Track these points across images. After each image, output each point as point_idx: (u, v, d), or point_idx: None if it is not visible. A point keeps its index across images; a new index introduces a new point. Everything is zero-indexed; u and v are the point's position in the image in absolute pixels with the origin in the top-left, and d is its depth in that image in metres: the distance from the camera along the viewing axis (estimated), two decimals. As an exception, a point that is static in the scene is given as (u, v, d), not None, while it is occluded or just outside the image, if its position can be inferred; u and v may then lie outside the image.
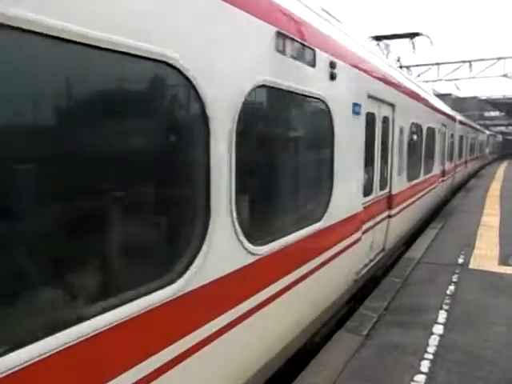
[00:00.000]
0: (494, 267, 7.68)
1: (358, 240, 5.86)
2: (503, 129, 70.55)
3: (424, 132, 10.58)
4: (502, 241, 9.54)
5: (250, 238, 3.31)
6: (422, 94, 11.08)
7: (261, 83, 3.33)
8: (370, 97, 6.10)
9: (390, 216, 7.65)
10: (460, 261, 8.10)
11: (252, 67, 3.27)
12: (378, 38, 13.39)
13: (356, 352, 4.66)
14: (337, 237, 5.10)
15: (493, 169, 35.17)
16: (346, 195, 5.33)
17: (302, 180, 4.50)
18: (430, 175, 11.80)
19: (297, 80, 3.90)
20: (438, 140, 13.00)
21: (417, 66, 29.14)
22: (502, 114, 52.37)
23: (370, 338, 5.02)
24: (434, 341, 4.91)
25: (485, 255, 8.42)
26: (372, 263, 6.77)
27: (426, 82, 30.50)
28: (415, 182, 9.77)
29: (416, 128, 9.72)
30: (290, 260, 4.03)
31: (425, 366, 4.38)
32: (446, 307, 5.89)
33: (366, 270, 6.43)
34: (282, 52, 3.64)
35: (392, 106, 7.45)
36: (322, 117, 4.69)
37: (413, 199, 9.64)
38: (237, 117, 3.03)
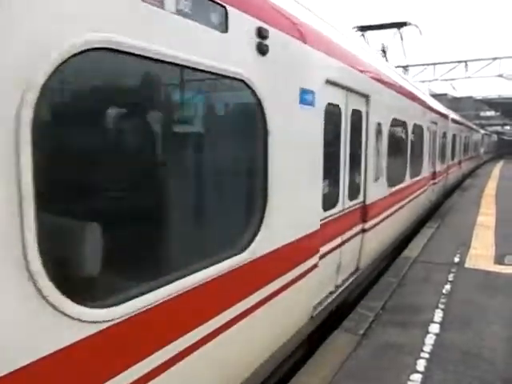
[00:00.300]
0: (490, 266, 7.70)
1: (314, 267, 4.51)
2: (499, 128, 70.96)
3: (410, 130, 9.31)
4: (498, 240, 9.56)
5: (80, 295, 1.98)
6: (408, 87, 9.79)
7: (96, 45, 2.02)
8: (331, 83, 4.77)
9: (364, 230, 6.34)
10: (456, 260, 8.11)
11: (77, 17, 1.94)
12: (363, 29, 12.41)
13: (352, 351, 4.66)
14: (275, 269, 3.78)
15: (488, 168, 35.29)
16: (291, 212, 3.98)
17: (202, 196, 3.20)
18: (417, 178, 10.67)
19: (190, 49, 2.61)
20: (428, 139, 11.87)
21: (405, 66, 29.23)
22: (498, 113, 52.60)
23: (367, 337, 5.01)
24: (430, 340, 4.91)
25: (481, 254, 8.44)
26: (340, 289, 5.53)
27: (423, 81, 30.65)
28: (399, 187, 8.55)
29: (399, 125, 8.50)
30: (183, 316, 2.69)
31: (421, 365, 4.38)
32: (442, 306, 5.89)
33: (329, 300, 5.16)
34: (158, 3, 2.38)
35: (365, 97, 6.10)
36: (244, 105, 3.45)
37: (396, 207, 8.37)
38: (34, 97, 1.78)
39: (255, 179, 3.48)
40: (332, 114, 4.98)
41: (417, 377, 4.17)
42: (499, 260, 8.07)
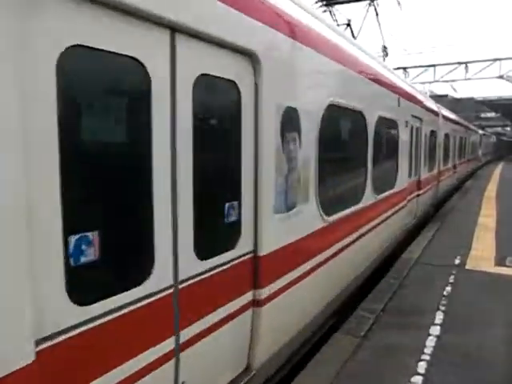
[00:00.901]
0: (491, 268, 7.69)
1: None
2: (499, 129, 71.16)
3: (371, 124, 6.44)
4: (499, 242, 9.55)
5: None
6: (369, 62, 6.71)
7: None
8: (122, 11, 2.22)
9: (257, 303, 3.60)
10: (457, 262, 8.10)
11: None
12: (329, 3, 9.95)
13: (353, 353, 4.65)
14: None
15: (488, 171, 35.30)
16: None
17: None
18: (389, 192, 7.77)
19: None
20: (407, 139, 9.12)
21: (405, 67, 29.33)
22: (498, 115, 52.68)
23: (367, 339, 5.00)
24: (430, 342, 4.90)
25: (481, 256, 8.43)
26: None
27: (423, 83, 30.73)
28: (350, 211, 5.68)
29: (347, 115, 5.70)
30: None
31: (421, 367, 4.37)
32: (442, 308, 5.88)
33: None
34: None
35: (249, 56, 3.35)
36: None
37: (343, 244, 5.48)
38: None
39: None
40: (104, 80, 2.36)
41: (417, 379, 4.16)
42: (500, 262, 8.06)
